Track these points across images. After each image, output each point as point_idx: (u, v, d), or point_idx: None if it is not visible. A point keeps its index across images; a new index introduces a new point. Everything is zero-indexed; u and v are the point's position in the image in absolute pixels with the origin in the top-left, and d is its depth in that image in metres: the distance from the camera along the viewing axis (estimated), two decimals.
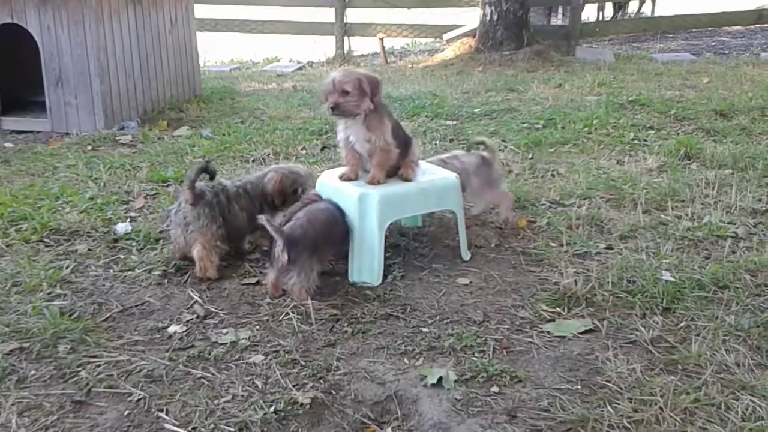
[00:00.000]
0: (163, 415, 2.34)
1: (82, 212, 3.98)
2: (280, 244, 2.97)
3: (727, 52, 10.45)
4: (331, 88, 3.16)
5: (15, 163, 5.02)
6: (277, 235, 2.97)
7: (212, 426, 2.27)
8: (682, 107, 6.32)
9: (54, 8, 5.67)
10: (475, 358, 2.65)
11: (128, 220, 3.91)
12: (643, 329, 2.80)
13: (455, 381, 2.50)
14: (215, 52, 11.20)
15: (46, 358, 2.64)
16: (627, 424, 2.26)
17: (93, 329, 2.83)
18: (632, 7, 13.89)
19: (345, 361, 2.63)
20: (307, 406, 2.35)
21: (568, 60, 9.36)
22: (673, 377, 2.50)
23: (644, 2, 13.79)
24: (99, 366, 2.60)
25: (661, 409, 2.32)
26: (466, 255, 3.48)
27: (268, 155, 5.14)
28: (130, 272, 3.34)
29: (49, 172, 4.79)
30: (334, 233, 3.17)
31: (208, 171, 3.36)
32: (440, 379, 2.50)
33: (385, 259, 3.25)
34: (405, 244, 3.62)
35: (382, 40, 10.48)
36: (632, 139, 5.43)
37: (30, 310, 2.93)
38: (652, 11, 13.75)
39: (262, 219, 3.01)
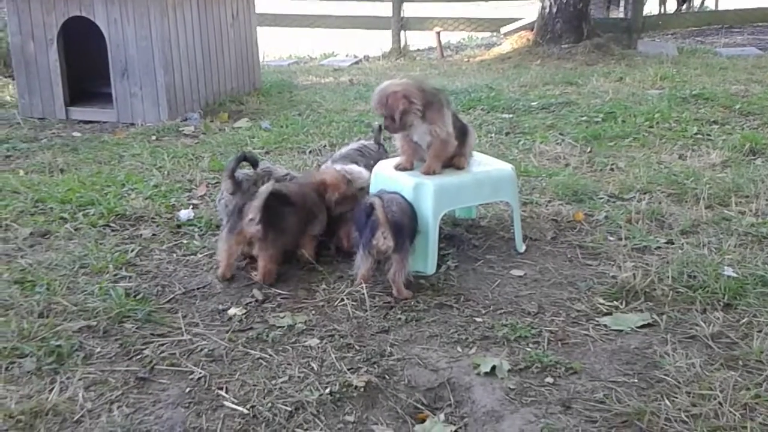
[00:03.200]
0: (222, 393, 2.41)
1: (146, 199, 4.11)
2: (384, 229, 2.92)
3: None
4: (377, 107, 3.22)
5: (83, 151, 5.21)
6: (384, 219, 2.92)
7: (270, 405, 2.33)
8: (747, 102, 6.13)
9: (120, 1, 5.85)
10: (529, 349, 2.64)
11: (191, 206, 4.02)
12: (703, 324, 2.75)
13: (509, 370, 2.50)
14: (274, 47, 11.35)
15: (111, 336, 2.75)
16: (685, 418, 2.23)
17: (156, 310, 2.94)
18: (697, 1, 13.51)
19: (398, 348, 2.66)
20: (362, 389, 2.39)
21: (629, 53, 9.18)
22: (733, 373, 2.44)
23: None
24: (162, 345, 2.69)
25: (720, 404, 2.28)
26: (521, 247, 3.47)
27: (325, 146, 5.20)
28: (192, 256, 3.45)
29: (115, 161, 4.96)
30: (414, 222, 3.14)
31: (248, 160, 3.42)
32: (494, 368, 2.50)
33: (439, 249, 3.27)
34: (459, 235, 3.63)
35: (438, 34, 10.46)
36: (695, 134, 5.30)
37: (97, 290, 3.05)
38: (716, 4, 13.34)
39: (373, 199, 2.95)
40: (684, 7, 13.16)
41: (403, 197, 3.15)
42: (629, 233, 3.58)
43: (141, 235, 3.67)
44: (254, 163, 3.45)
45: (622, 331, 2.76)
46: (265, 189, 3.06)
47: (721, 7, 13.24)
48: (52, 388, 2.41)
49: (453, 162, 3.37)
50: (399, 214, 3.00)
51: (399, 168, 3.36)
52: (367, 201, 3.00)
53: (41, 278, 3.14)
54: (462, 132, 3.36)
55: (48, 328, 2.74)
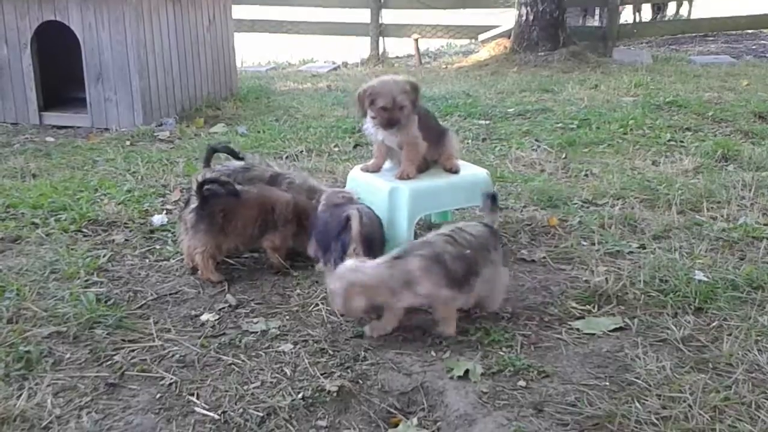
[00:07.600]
0: (193, 398, 2.39)
1: (119, 204, 4.06)
2: (356, 245, 2.89)
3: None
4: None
5: (56, 156, 5.15)
6: (356, 234, 2.89)
7: (241, 410, 2.32)
8: (720, 109, 6.22)
9: (95, 6, 5.80)
10: (502, 353, 2.64)
11: (164, 212, 3.98)
12: (674, 328, 2.77)
13: (482, 374, 2.50)
14: (253, 53, 11.32)
15: (81, 342, 2.71)
16: (655, 420, 2.25)
17: (128, 316, 2.90)
18: (671, 10, 13.71)
19: (372, 352, 2.65)
20: (335, 394, 2.38)
21: (605, 61, 9.28)
22: (703, 375, 2.47)
23: (681, 5, 13.60)
24: (133, 351, 2.66)
25: (690, 406, 2.30)
26: None
27: (302, 152, 5.19)
28: (165, 262, 3.41)
29: (88, 166, 4.90)
30: (383, 234, 3.12)
31: (218, 151, 3.62)
32: (467, 371, 2.50)
33: None
34: None
35: (416, 41, 10.50)
36: (668, 140, 5.37)
37: (67, 296, 3.01)
38: (689, 13, 13.55)
39: (351, 212, 2.93)
40: (659, 16, 13.35)
41: (370, 209, 3.12)
42: (602, 238, 3.61)
43: (113, 240, 3.63)
44: (233, 155, 3.53)
45: (594, 334, 2.78)
46: (198, 177, 3.18)
47: (695, 16, 13.44)
48: (20, 395, 2.37)
49: (446, 166, 3.41)
50: (371, 228, 2.99)
51: (363, 169, 3.43)
52: (345, 213, 2.98)
53: (11, 284, 3.09)
54: (439, 135, 3.38)
55: (17, 334, 2.70)
